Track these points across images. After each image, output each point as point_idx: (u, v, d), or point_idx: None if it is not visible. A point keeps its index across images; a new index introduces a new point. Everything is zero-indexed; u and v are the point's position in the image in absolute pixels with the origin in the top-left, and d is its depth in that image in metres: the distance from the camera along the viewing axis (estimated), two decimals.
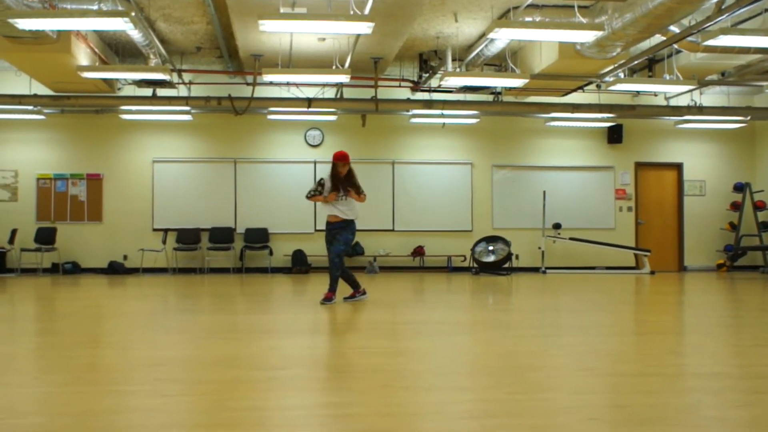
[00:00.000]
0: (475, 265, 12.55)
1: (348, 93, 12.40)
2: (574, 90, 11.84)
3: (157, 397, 3.44)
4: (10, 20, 7.49)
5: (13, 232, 12.50)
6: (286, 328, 6.09)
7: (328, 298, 7.55)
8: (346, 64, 10.23)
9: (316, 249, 12.95)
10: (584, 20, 8.15)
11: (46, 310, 7.76)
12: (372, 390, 3.67)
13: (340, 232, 7.62)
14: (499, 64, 11.29)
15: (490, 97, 12.63)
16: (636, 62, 9.84)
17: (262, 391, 3.67)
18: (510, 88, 11.79)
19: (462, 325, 6.47)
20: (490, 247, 12.49)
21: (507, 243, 12.42)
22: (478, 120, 13.00)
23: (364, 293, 7.96)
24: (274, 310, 7.64)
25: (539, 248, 13.04)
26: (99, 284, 10.62)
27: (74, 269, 12.72)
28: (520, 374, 4.11)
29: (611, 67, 10.06)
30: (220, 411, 3.22)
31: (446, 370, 4.31)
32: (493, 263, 12.37)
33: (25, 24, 7.62)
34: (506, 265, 12.42)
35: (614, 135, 13.65)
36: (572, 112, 12.50)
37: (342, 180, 7.64)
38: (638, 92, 12.91)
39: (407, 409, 3.33)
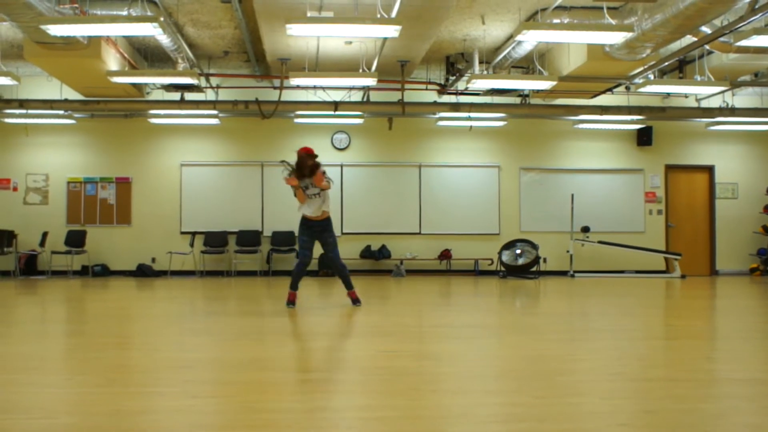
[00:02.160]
0: (503, 268, 12.48)
1: (374, 96, 12.40)
2: (603, 92, 11.72)
3: (186, 399, 3.47)
4: (42, 27, 7.63)
5: (44, 235, 12.69)
6: (313, 331, 6.10)
7: (354, 299, 7.58)
8: (373, 68, 10.24)
9: (343, 252, 12.85)
10: (613, 21, 8.06)
11: (76, 312, 7.86)
12: (400, 393, 3.66)
13: (322, 232, 7.39)
14: (526, 66, 11.22)
15: (518, 100, 12.57)
16: (666, 63, 9.69)
17: (291, 394, 3.68)
18: (538, 91, 11.73)
19: (489, 328, 6.43)
20: (518, 251, 12.41)
21: (535, 246, 12.33)
22: (505, 123, 12.93)
23: (292, 302, 7.50)
24: (301, 313, 7.64)
25: (567, 252, 12.92)
26: (128, 286, 10.74)
27: (104, 272, 12.88)
28: (549, 378, 4.07)
29: (641, 69, 9.93)
30: (249, 413, 3.23)
31: (473, 374, 4.28)
32: (520, 267, 12.28)
33: (56, 30, 7.75)
34: (534, 269, 12.33)
35: (644, 137, 13.49)
36: (601, 114, 12.39)
37: (304, 175, 7.24)
38: (668, 94, 12.74)
39: (435, 413, 3.31)
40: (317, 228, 7.39)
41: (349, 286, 7.60)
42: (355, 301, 7.56)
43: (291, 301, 7.47)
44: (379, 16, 7.67)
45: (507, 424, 3.11)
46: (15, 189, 13.14)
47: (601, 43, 8.82)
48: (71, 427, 2.93)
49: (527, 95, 12.39)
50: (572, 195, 13.06)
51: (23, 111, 12.14)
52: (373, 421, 3.11)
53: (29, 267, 12.80)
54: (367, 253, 13.02)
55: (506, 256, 12.44)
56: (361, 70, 10.28)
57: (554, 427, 3.02)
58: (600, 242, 12.87)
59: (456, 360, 4.70)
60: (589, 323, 7.01)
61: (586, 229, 13.07)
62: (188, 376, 4.02)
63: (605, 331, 6.19)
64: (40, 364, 4.55)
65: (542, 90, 11.28)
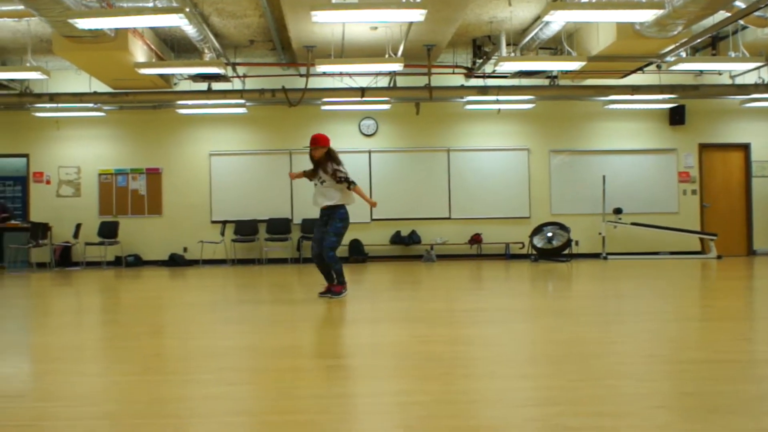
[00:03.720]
0: (534, 252, 12.39)
1: (401, 81, 12.35)
2: (634, 71, 11.51)
3: (222, 386, 3.50)
4: (70, 21, 7.70)
5: (78, 226, 12.90)
6: (345, 317, 6.11)
7: (336, 292, 7.16)
8: (399, 53, 10.19)
9: (373, 238, 13.02)
10: None
11: (111, 301, 7.98)
12: (434, 377, 3.65)
13: (328, 220, 7.11)
14: (554, 47, 11.07)
15: (546, 81, 12.42)
16: (699, 40, 9.51)
17: (325, 380, 3.69)
18: (566, 72, 11.57)
19: (522, 312, 6.39)
20: (549, 234, 12.31)
21: (566, 229, 12.22)
22: (533, 105, 12.79)
23: (336, 291, 7.26)
24: (332, 300, 7.67)
25: (600, 234, 12.78)
26: (160, 276, 10.87)
27: (136, 262, 13.06)
28: (583, 361, 4.03)
29: (672, 47, 9.74)
30: (284, 399, 3.25)
31: (506, 358, 4.26)
32: (552, 250, 12.19)
33: (84, 24, 7.82)
34: (566, 252, 12.22)
35: (676, 116, 13.26)
36: (632, 94, 12.20)
37: (315, 164, 7.16)
38: (701, 71, 12.49)
39: (468, 397, 3.30)
40: (324, 215, 7.18)
41: (338, 279, 7.19)
42: (326, 293, 7.18)
43: (327, 290, 7.31)
44: (404, 0, 7.61)
45: (542, 407, 3.09)
46: (48, 182, 13.35)
47: (631, 21, 8.67)
48: (114, 415, 2.97)
49: (556, 76, 12.24)
50: (603, 176, 12.89)
51: (54, 105, 12.31)
52: (408, 406, 3.11)
53: (64, 258, 13.03)
54: (397, 239, 13.02)
55: (537, 240, 12.35)
56: (387, 56, 10.23)
57: (590, 410, 2.99)
58: (633, 224, 12.71)
59: (489, 344, 4.68)
60: (623, 305, 6.94)
61: (618, 211, 12.91)
62: (223, 364, 4.06)
63: (640, 314, 6.12)
64: (78, 353, 4.63)
65: (571, 71, 11.13)
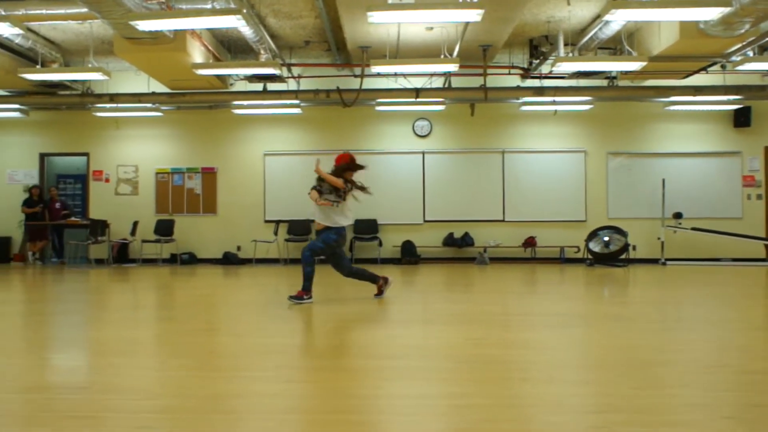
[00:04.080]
0: (590, 256, 12.15)
1: (456, 82, 12.27)
2: (697, 71, 11.20)
3: (279, 383, 3.50)
4: (131, 22, 7.87)
5: (135, 224, 13.18)
6: (399, 318, 6.07)
7: (298, 296, 6.92)
8: (455, 53, 10.12)
9: (426, 240, 12.96)
10: None
11: (166, 298, 8.10)
12: (491, 381, 3.59)
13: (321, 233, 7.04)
14: (614, 47, 10.84)
15: (605, 82, 12.18)
16: (766, 39, 9.18)
17: (381, 380, 3.66)
18: (626, 72, 11.33)
19: (578, 317, 6.24)
20: (606, 238, 12.06)
21: (623, 233, 11.95)
22: (591, 106, 12.55)
23: (386, 281, 7.42)
24: (385, 300, 7.64)
25: (658, 239, 12.46)
26: (214, 274, 11.01)
27: (191, 259, 13.27)
28: (645, 369, 3.91)
29: (738, 46, 9.43)
30: (342, 398, 3.23)
31: (565, 363, 4.16)
32: (609, 254, 11.93)
33: (144, 25, 7.98)
34: (623, 257, 11.95)
35: (741, 118, 12.83)
36: (694, 95, 11.86)
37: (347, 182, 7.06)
38: None
39: (528, 401, 3.22)
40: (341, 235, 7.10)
41: (303, 284, 6.98)
42: (297, 297, 6.93)
43: (379, 291, 7.42)
44: (461, 0, 7.54)
45: (604, 414, 3.00)
46: (107, 180, 13.68)
47: (696, 19, 8.43)
48: (171, 409, 3.00)
49: (615, 77, 11.99)
50: (663, 180, 12.56)
51: (113, 105, 12.62)
52: (465, 409, 3.06)
53: (121, 255, 13.33)
54: (449, 241, 12.93)
55: (593, 244, 12.11)
56: (442, 56, 10.17)
57: (654, 419, 2.89)
58: (693, 229, 12.35)
59: (545, 349, 4.58)
60: (684, 312, 6.73)
61: (678, 216, 12.55)
62: (278, 362, 4.07)
63: (702, 321, 5.92)
64: (136, 348, 4.71)
65: (631, 71, 10.89)
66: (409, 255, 12.73)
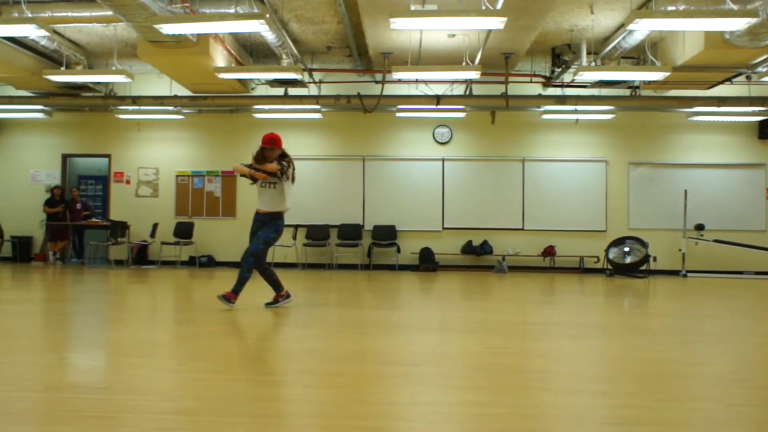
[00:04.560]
0: (610, 266, 12.05)
1: (477, 89, 12.25)
2: (721, 82, 11.10)
3: (297, 388, 3.49)
4: (156, 26, 7.94)
5: (154, 226, 13.26)
6: (416, 325, 6.05)
7: (227, 297, 6.68)
8: (476, 60, 10.10)
9: (444, 247, 12.92)
10: (735, 6, 7.58)
11: (184, 300, 8.13)
12: (510, 390, 3.56)
13: (261, 227, 6.79)
14: (637, 56, 10.76)
15: (627, 92, 12.10)
16: None
17: (399, 386, 3.64)
18: (649, 82, 11.25)
19: (598, 328, 6.19)
20: (626, 248, 11.96)
21: (644, 244, 11.85)
22: (613, 115, 12.47)
23: (288, 297, 7.00)
24: (403, 307, 7.64)
25: (680, 250, 12.33)
26: (233, 277, 10.95)
27: (209, 262, 13.33)
28: (667, 381, 3.86)
29: (765, 57, 9.34)
30: (360, 404, 3.22)
31: (585, 374, 4.12)
32: (628, 265, 11.83)
33: (168, 29, 8.05)
34: (643, 268, 11.84)
35: (766, 130, 12.68)
36: (718, 106, 11.75)
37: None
38: None
39: (548, 411, 3.19)
40: (258, 221, 6.88)
41: (235, 287, 6.73)
42: (226, 298, 6.70)
43: (275, 301, 6.93)
44: (483, 8, 7.52)
45: (624, 426, 2.96)
46: (128, 182, 13.79)
47: (721, 30, 8.34)
48: (191, 411, 3.00)
49: (637, 87, 11.91)
50: (685, 191, 12.44)
51: (136, 107, 12.73)
52: (484, 417, 3.03)
53: (140, 256, 13.41)
54: (468, 249, 12.89)
55: (613, 254, 12.02)
56: (464, 63, 10.16)
57: None
58: (716, 241, 12.21)
59: (565, 359, 4.54)
60: (705, 326, 6.64)
61: (700, 227, 12.42)
62: (297, 366, 4.06)
63: (725, 335, 5.84)
64: (156, 349, 4.72)
65: (654, 81, 10.80)
66: (427, 262, 12.70)
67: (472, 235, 12.99)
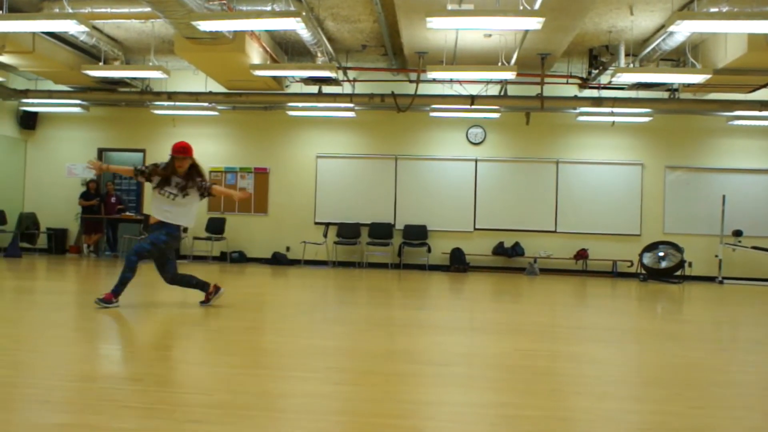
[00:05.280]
0: (644, 271, 11.88)
1: (512, 90, 12.16)
2: (764, 86, 10.85)
3: (329, 385, 3.49)
4: (193, 23, 8.00)
5: None
6: (446, 325, 6.02)
7: (106, 299, 6.14)
8: (512, 61, 10.02)
9: (475, 248, 12.85)
10: None
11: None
12: (541, 393, 3.51)
13: (159, 229, 6.30)
14: (677, 58, 10.59)
15: (666, 94, 11.89)
16: None
17: (430, 386, 3.62)
18: (688, 85, 11.05)
19: (631, 332, 6.10)
20: (661, 253, 11.78)
21: (679, 249, 11.66)
22: (650, 118, 12.28)
23: (217, 290, 6.63)
24: (433, 307, 7.61)
25: (716, 256, 12.11)
26: (263, 273, 11.10)
27: (240, 258, 13.42)
28: (704, 389, 3.79)
29: None
30: (391, 403, 3.21)
31: (618, 378, 4.06)
32: (663, 270, 11.65)
33: (205, 26, 8.11)
34: (678, 273, 11.65)
35: None
36: (760, 110, 11.49)
37: (183, 177, 6.41)
38: None
39: (581, 416, 3.15)
40: (155, 228, 6.37)
41: (115, 287, 6.23)
42: (105, 301, 6.13)
43: (206, 299, 6.61)
44: (521, 8, 7.46)
45: None
46: None
47: (765, 32, 8.16)
48: (224, 404, 3.02)
49: (676, 89, 11.70)
50: (723, 196, 12.19)
51: (171, 103, 12.86)
52: (516, 419, 3.00)
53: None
54: (499, 250, 12.80)
55: (648, 259, 11.84)
56: (499, 63, 10.09)
57: None
58: (754, 248, 11.95)
59: (598, 363, 4.48)
60: (743, 333, 6.51)
61: (738, 233, 12.17)
62: (328, 363, 4.06)
63: (763, 343, 5.71)
64: (188, 343, 4.77)
65: (694, 84, 10.61)
66: (458, 262, 12.65)
67: (503, 236, 12.90)
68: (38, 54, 10.50)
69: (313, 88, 12.46)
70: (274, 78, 11.83)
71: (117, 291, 6.17)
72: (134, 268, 6.22)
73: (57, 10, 8.92)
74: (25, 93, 13.29)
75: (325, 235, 13.12)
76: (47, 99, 13.23)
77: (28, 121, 14.18)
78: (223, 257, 13.46)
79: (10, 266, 10.85)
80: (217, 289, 6.63)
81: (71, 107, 13.46)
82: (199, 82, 12.76)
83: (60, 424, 2.67)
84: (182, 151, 6.43)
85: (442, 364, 4.21)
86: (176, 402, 3.07)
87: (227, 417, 2.83)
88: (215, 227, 13.41)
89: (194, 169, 6.46)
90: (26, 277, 9.16)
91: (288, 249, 13.39)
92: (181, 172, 6.38)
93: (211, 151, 13.82)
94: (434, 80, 11.74)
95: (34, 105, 13.57)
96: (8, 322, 5.28)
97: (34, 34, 10.15)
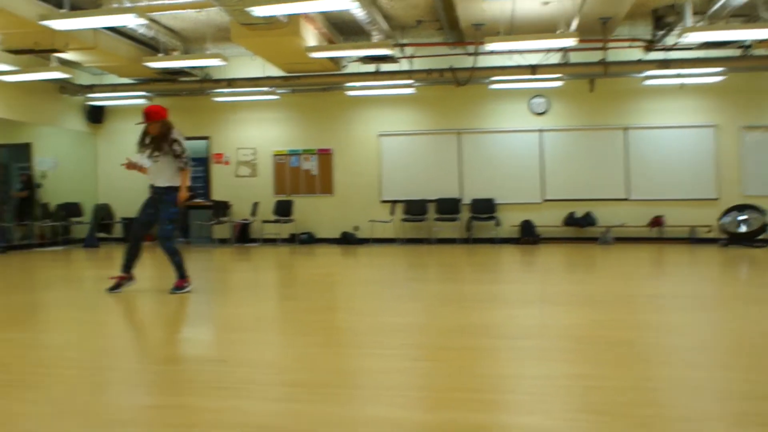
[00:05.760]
0: (724, 236, 11.48)
1: (574, 57, 11.87)
2: None
3: (406, 361, 3.50)
4: (247, 9, 8.07)
5: (255, 205, 13.62)
6: (518, 298, 5.95)
7: (179, 287, 6.25)
8: (572, 27, 9.77)
9: (545, 219, 12.68)
10: None
11: (288, 277, 8.30)
12: (623, 363, 3.44)
13: (159, 205, 6.28)
14: (747, 14, 10.11)
15: (738, 52, 11.40)
16: None
17: (507, 360, 3.59)
18: (762, 40, 10.55)
19: (712, 299, 5.91)
20: (741, 217, 11.36)
21: (762, 212, 11.23)
22: (723, 78, 11.80)
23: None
24: (503, 280, 7.54)
25: None
26: (333, 253, 11.21)
27: (309, 239, 13.59)
28: None
29: None
30: (468, 377, 3.19)
31: (701, 347, 3.93)
32: (745, 234, 11.24)
33: (260, 11, 8.18)
34: (761, 237, 11.22)
35: None
36: None
37: (152, 139, 6.30)
38: None
39: (666, 384, 3.06)
40: (157, 192, 6.32)
41: (178, 272, 6.31)
42: (179, 288, 6.25)
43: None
44: None
45: (749, 401, 2.81)
46: (227, 163, 14.20)
47: None
48: (305, 383, 3.07)
49: (749, 46, 11.20)
50: None
51: (231, 90, 13.05)
52: (599, 390, 2.94)
53: (243, 235, 13.82)
54: (570, 221, 12.58)
55: (728, 223, 11.44)
56: (559, 31, 9.84)
57: None
58: None
59: (679, 332, 4.35)
60: None
61: None
62: (403, 340, 4.07)
63: None
64: (265, 324, 4.86)
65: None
66: (528, 234, 12.50)
67: (574, 206, 12.66)
68: (101, 49, 10.80)
69: (371, 67, 12.45)
70: (331, 59, 11.86)
71: (182, 274, 6.26)
72: (176, 250, 6.25)
73: (116, 5, 9.13)
74: (91, 88, 13.72)
75: (392, 213, 13.15)
76: (112, 93, 13.61)
77: (96, 115, 14.64)
78: (292, 239, 13.65)
79: (89, 255, 11.29)
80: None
81: (135, 99, 13.81)
82: (257, 67, 12.91)
83: (155, 406, 2.76)
84: (146, 116, 6.25)
85: (518, 337, 4.17)
86: (259, 381, 3.13)
87: (311, 395, 2.87)
88: (283, 210, 13.61)
89: (165, 129, 6.31)
90: (104, 266, 9.50)
91: (356, 228, 13.48)
92: (154, 135, 6.29)
93: (273, 135, 13.99)
94: (492, 52, 11.56)
95: (99, 99, 14.00)
96: (91, 309, 5.48)
97: (95, 30, 10.43)
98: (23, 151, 14.39)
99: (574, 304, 5.51)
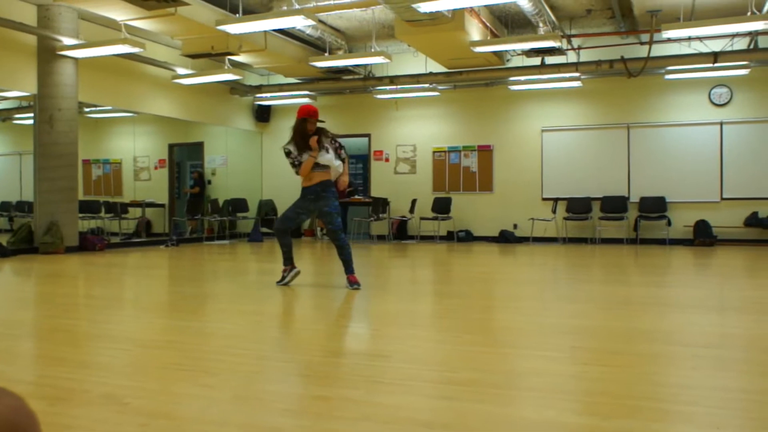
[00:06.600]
0: None
1: (764, 42, 10.86)
2: None
3: (576, 365, 3.30)
4: (413, 5, 8.07)
5: (413, 202, 13.68)
6: (696, 304, 5.48)
7: (353, 282, 6.10)
8: (764, 8, 8.92)
9: (723, 220, 11.74)
10: None
11: (447, 274, 8.24)
12: None
13: (325, 200, 6.06)
14: None
15: None
16: None
17: (690, 369, 3.28)
18: None
19: None
20: None
21: None
22: None
23: (292, 269, 6.33)
24: (676, 283, 7.04)
25: None
26: (491, 252, 11.01)
27: (467, 237, 13.46)
28: None
29: None
30: (647, 385, 2.95)
31: None
32: None
33: (425, 7, 8.17)
34: None
35: None
36: None
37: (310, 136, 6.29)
38: None
39: None
40: (313, 192, 6.12)
41: (347, 268, 6.17)
42: (353, 283, 6.11)
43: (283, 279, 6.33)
44: None
45: None
46: (387, 160, 14.37)
47: None
48: (474, 382, 2.97)
49: None
50: None
51: (393, 87, 13.17)
52: None
53: (400, 231, 13.94)
54: (753, 221, 11.53)
55: None
56: (749, 13, 9.02)
57: None
58: None
59: None
60: None
61: None
62: (573, 342, 3.86)
63: None
64: (430, 321, 4.83)
65: None
66: (703, 236, 11.62)
67: (757, 205, 11.60)
68: (270, 50, 11.27)
69: (535, 60, 12.09)
70: (495, 53, 11.65)
71: (352, 270, 6.19)
72: (346, 244, 6.20)
73: (285, 8, 9.46)
74: (259, 88, 14.39)
75: (554, 211, 12.74)
76: (278, 92, 14.19)
77: (263, 114, 15.35)
78: (450, 236, 13.59)
79: (254, 250, 11.85)
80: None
81: (301, 98, 14.30)
82: (419, 63, 12.93)
83: (321, 396, 2.77)
84: (314, 113, 6.57)
85: (701, 345, 3.81)
86: (425, 378, 3.07)
87: (477, 395, 2.76)
88: (441, 207, 13.58)
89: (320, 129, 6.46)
90: (267, 259, 9.91)
91: (515, 226, 13.19)
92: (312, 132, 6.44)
93: (433, 132, 13.99)
94: (668, 40, 10.83)
95: (267, 99, 14.64)
96: (258, 301, 5.68)
97: (265, 32, 10.90)
98: (196, 149, 15.42)
99: (764, 313, 5.00)
